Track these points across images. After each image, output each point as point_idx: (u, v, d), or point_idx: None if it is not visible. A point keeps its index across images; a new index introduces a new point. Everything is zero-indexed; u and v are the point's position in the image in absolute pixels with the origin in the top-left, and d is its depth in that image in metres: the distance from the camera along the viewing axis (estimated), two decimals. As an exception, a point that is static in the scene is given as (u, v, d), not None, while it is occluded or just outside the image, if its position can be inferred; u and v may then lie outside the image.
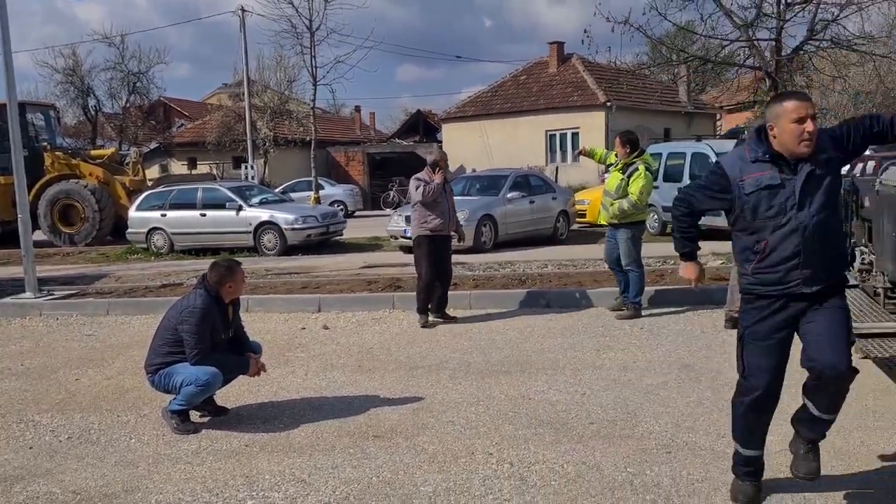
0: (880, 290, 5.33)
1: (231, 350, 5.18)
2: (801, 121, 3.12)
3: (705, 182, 3.49)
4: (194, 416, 5.11)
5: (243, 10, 28.52)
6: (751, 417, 3.49)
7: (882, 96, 27.42)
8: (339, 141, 38.08)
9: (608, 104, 28.34)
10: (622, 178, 7.58)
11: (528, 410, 5.10)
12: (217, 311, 4.98)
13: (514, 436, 4.64)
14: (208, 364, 4.87)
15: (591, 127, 28.28)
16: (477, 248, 13.48)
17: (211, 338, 4.94)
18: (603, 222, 8.09)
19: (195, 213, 15.64)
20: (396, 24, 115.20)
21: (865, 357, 4.53)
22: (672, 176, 15.44)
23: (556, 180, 23.37)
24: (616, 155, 7.86)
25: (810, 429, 3.45)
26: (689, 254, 3.67)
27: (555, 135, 30.37)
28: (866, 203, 5.53)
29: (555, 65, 31.86)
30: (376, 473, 4.15)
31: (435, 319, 7.93)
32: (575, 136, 29.59)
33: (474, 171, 23.35)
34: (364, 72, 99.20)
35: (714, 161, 3.70)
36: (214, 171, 31.29)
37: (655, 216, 15.15)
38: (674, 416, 4.89)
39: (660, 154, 16.08)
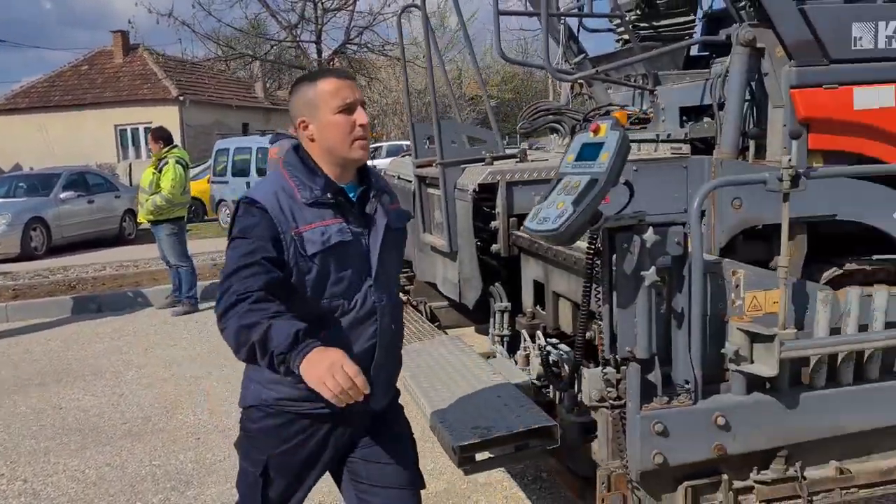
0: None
1: None
2: (349, 109, 2.01)
3: (252, 245, 1.94)
4: None
5: None
6: None
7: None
8: None
9: (181, 98, 27.54)
10: (154, 173, 7.50)
11: (55, 421, 4.83)
12: None
13: (35, 450, 4.37)
14: None
15: (165, 121, 27.12)
16: (27, 255, 12.19)
17: None
18: (142, 220, 7.91)
19: None
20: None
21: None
22: (241, 171, 15.71)
23: (130, 177, 22.12)
24: (151, 151, 7.77)
25: None
26: (305, 341, 1.83)
27: (126, 130, 28.51)
28: None
29: (120, 55, 29.82)
30: None
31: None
32: (148, 130, 28.20)
33: (31, 169, 20.96)
34: None
35: (242, 200, 1.99)
36: None
37: (227, 210, 15.27)
38: (212, 403, 5.05)
39: (227, 149, 16.30)
